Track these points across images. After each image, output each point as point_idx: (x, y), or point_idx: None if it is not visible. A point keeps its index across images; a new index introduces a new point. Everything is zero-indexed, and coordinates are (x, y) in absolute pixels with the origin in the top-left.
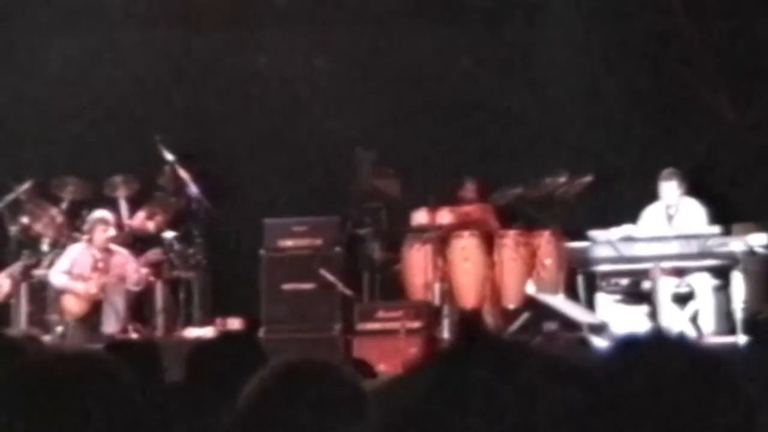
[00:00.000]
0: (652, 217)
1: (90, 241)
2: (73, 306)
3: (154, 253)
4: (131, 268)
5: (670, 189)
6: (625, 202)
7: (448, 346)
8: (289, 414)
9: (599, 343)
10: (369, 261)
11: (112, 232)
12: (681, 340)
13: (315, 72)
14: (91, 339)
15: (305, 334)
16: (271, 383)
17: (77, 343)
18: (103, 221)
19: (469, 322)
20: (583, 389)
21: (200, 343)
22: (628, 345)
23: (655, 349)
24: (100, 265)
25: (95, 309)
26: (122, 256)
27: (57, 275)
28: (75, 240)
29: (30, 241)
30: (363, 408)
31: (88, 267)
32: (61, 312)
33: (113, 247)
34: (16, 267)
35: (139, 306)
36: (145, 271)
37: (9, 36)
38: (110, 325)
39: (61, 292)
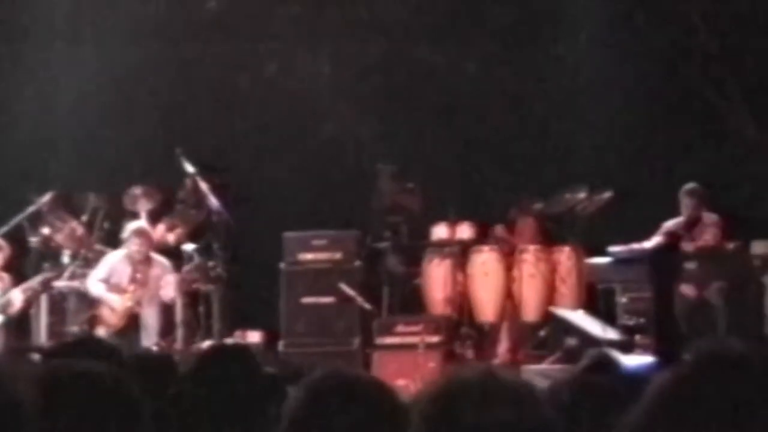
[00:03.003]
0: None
1: (127, 250)
2: (109, 318)
3: None
4: (168, 281)
5: (689, 205)
6: (646, 218)
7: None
8: (331, 428)
9: (620, 358)
10: (389, 275)
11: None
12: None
13: (336, 85)
14: (128, 352)
15: (324, 348)
16: (313, 396)
17: None
18: (138, 233)
19: None
20: None
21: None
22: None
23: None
24: (139, 276)
25: (132, 322)
26: (161, 267)
27: (94, 283)
28: (96, 252)
29: (50, 253)
30: (404, 423)
31: (126, 278)
32: (97, 322)
33: (154, 256)
34: (33, 282)
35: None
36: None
37: (30, 51)
38: (148, 338)
39: (96, 301)
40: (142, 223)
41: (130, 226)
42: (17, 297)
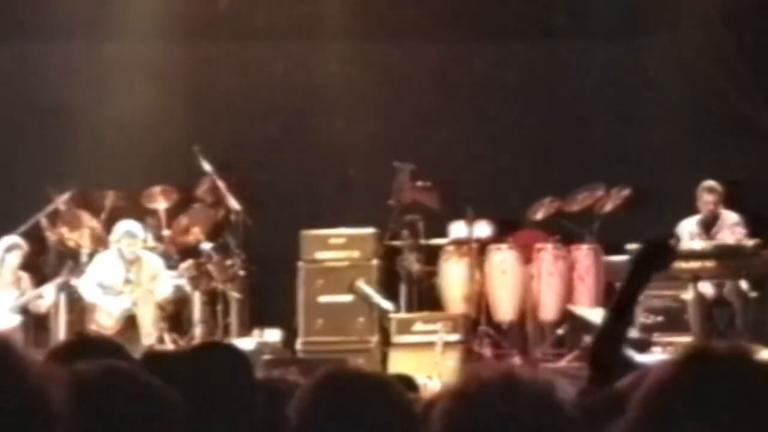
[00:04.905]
0: (688, 229)
1: (118, 251)
2: (106, 322)
3: None
4: (162, 279)
5: (708, 201)
6: (664, 216)
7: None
8: (337, 423)
9: (638, 357)
10: (406, 273)
11: (142, 243)
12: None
13: (353, 83)
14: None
15: (342, 346)
16: (319, 392)
17: None
18: (129, 234)
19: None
20: None
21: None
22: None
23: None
24: (132, 277)
25: (130, 323)
26: (153, 266)
27: (88, 288)
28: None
29: (69, 251)
30: (411, 418)
31: (120, 279)
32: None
33: (145, 255)
34: (60, 279)
35: (177, 317)
36: (179, 282)
37: (50, 46)
38: (146, 338)
39: (93, 305)
40: (131, 223)
41: (119, 227)
42: (49, 292)
